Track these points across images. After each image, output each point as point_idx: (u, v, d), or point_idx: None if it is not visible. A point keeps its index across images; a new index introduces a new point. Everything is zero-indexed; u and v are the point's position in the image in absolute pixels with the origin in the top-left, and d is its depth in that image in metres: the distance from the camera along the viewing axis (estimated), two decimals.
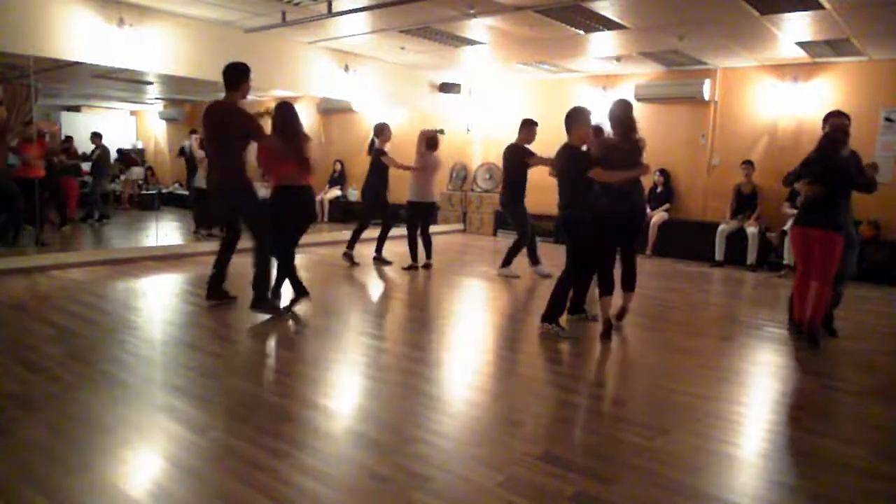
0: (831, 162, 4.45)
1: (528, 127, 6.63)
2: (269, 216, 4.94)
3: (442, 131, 8.10)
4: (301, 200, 5.06)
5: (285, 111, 5.06)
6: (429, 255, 7.28)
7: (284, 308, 5.06)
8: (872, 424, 3.31)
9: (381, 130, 7.29)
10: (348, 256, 7.42)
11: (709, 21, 6.47)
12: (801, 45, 7.13)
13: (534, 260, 6.95)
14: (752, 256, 7.96)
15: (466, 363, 4.14)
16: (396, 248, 7.66)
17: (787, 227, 7.66)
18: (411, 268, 7.19)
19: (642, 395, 3.67)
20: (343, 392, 3.55)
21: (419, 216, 7.27)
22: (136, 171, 10.88)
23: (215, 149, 4.98)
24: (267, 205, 4.99)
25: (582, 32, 7.06)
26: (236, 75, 4.90)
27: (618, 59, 8.53)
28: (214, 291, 5.23)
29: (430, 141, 7.22)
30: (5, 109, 6.75)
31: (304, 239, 9.27)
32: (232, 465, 2.54)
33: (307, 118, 12.07)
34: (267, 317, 4.90)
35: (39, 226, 7.50)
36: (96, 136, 9.74)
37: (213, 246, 6.20)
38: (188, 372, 3.64)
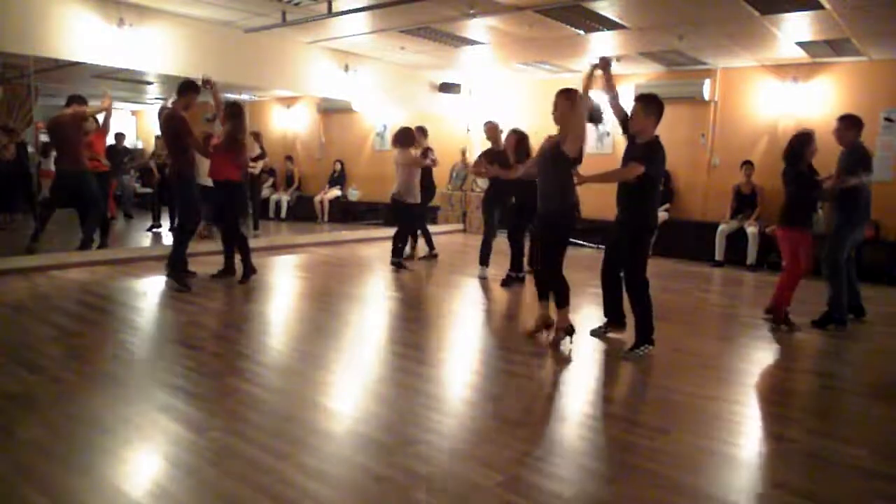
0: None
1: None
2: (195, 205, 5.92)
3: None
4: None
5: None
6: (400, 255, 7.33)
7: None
8: (872, 424, 3.31)
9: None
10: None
11: (709, 21, 6.47)
12: (801, 45, 7.13)
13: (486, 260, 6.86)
14: (752, 256, 7.96)
15: (466, 363, 4.14)
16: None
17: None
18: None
19: (642, 395, 3.68)
20: (343, 392, 3.55)
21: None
22: None
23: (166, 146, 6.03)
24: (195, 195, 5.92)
25: (582, 32, 7.06)
26: (181, 88, 5.81)
27: (618, 59, 8.52)
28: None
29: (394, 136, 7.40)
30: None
31: (306, 238, 9.37)
32: (232, 465, 2.54)
33: (307, 118, 12.15)
34: (266, 315, 4.90)
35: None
36: (121, 136, 10.10)
37: (211, 246, 6.20)
38: (188, 372, 3.64)
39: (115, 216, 9.92)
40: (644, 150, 4.09)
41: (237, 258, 6.08)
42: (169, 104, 6.01)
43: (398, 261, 7.15)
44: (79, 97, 6.78)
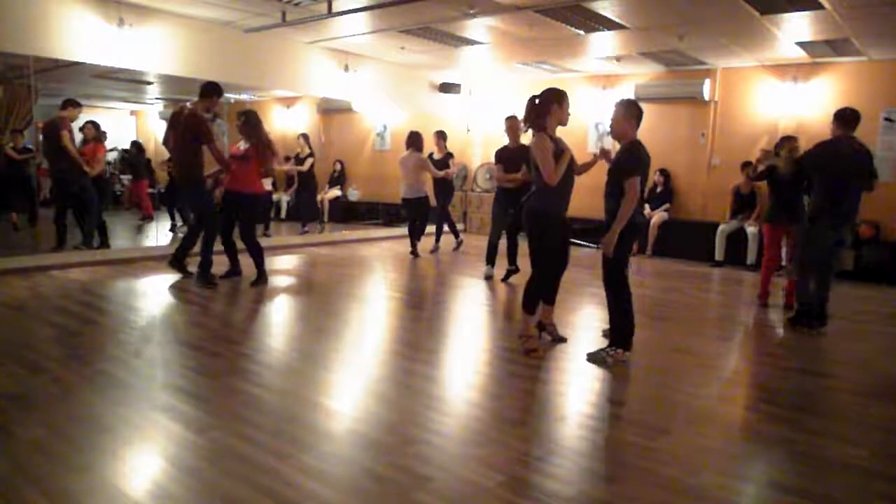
0: None
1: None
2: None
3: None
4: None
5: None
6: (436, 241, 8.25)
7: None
8: (872, 424, 3.31)
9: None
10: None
11: (709, 21, 6.47)
12: (801, 45, 7.13)
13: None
14: (752, 256, 7.96)
15: (466, 363, 4.13)
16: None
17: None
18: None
19: (642, 395, 3.68)
20: (343, 392, 3.55)
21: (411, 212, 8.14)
22: None
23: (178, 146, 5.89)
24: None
25: (582, 32, 7.06)
26: (207, 90, 5.82)
27: (618, 59, 8.53)
28: (177, 261, 6.10)
29: (407, 139, 8.05)
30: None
31: (306, 239, 9.37)
32: (232, 465, 2.54)
33: (307, 118, 12.15)
34: (265, 315, 4.89)
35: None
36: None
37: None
38: (188, 372, 3.64)
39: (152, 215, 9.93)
40: (627, 156, 4.05)
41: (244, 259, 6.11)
42: (189, 105, 5.90)
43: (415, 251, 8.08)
44: (72, 101, 6.88)
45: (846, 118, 4.89)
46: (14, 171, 7.88)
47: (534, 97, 4.16)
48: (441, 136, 8.64)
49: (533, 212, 4.21)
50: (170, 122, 5.91)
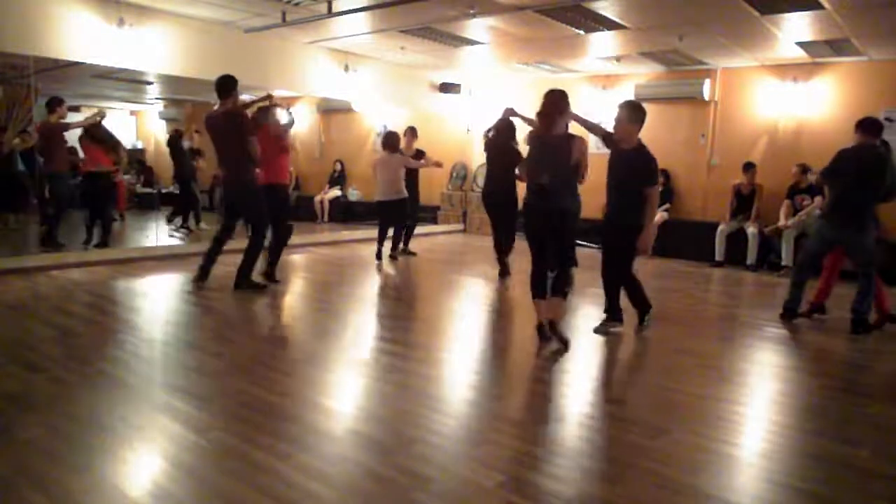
0: None
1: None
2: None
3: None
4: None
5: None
6: (395, 247, 7.81)
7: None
8: (872, 424, 3.31)
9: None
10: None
11: (709, 21, 6.47)
12: (801, 45, 7.13)
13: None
14: (752, 256, 7.96)
15: (466, 363, 4.13)
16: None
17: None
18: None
19: (642, 395, 3.68)
20: (343, 392, 3.55)
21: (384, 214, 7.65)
22: None
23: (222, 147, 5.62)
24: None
25: (582, 32, 7.06)
26: (230, 85, 5.55)
27: (618, 59, 8.53)
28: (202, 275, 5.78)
29: (384, 140, 7.74)
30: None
31: (306, 238, 9.37)
32: (232, 465, 2.54)
33: (307, 118, 12.15)
34: (266, 315, 4.89)
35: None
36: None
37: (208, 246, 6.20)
38: (188, 372, 3.64)
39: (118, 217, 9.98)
40: (642, 164, 4.10)
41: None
42: (216, 108, 5.63)
43: (395, 253, 7.73)
44: (57, 99, 6.90)
45: (858, 125, 5.03)
46: (4, 171, 7.92)
47: (553, 91, 4.13)
48: (413, 132, 8.31)
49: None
50: (207, 128, 5.61)
